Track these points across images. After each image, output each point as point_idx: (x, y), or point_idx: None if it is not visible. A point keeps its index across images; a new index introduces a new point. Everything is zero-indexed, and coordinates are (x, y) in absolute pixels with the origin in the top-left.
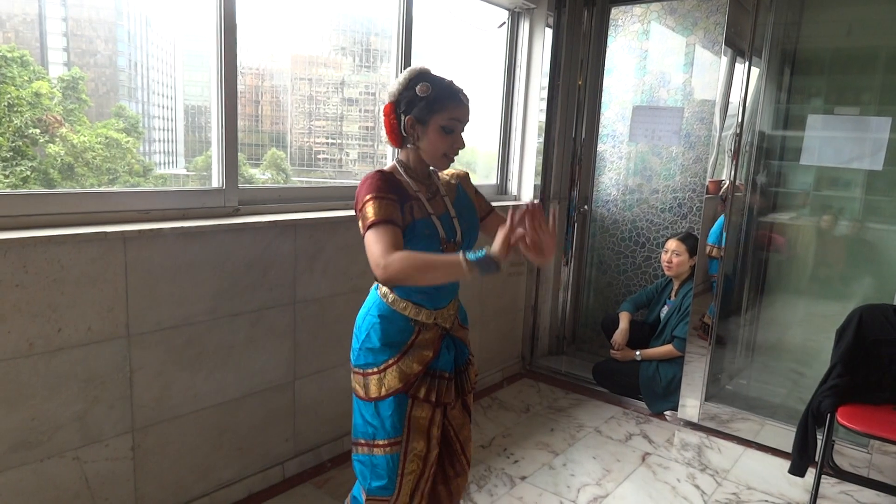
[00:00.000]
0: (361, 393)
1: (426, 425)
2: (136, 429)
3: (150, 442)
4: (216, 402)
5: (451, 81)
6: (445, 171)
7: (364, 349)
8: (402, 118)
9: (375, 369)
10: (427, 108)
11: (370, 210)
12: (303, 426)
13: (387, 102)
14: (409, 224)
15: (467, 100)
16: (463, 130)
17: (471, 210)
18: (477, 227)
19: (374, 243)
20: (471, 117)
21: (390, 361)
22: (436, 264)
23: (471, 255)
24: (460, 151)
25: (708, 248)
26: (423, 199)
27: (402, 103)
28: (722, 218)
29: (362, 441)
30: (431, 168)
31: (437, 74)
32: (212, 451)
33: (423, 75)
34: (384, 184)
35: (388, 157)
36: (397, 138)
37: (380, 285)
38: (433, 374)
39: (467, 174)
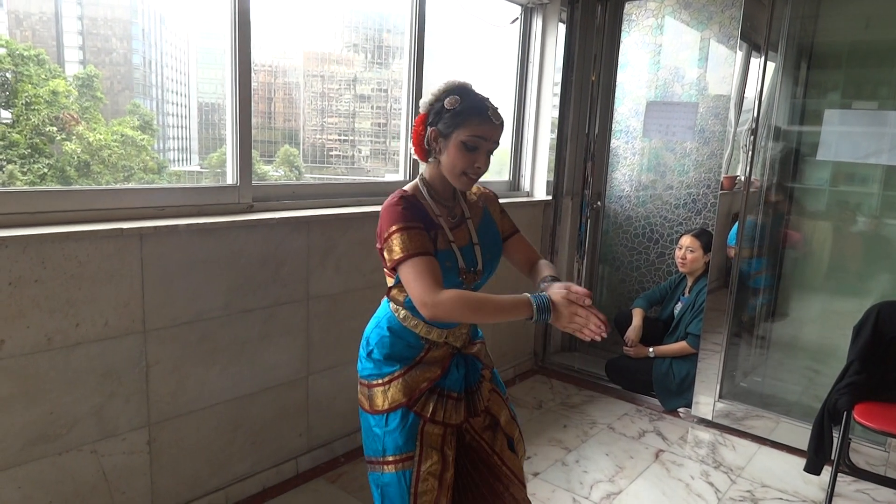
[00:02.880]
0: (366, 405)
1: (439, 442)
2: (152, 423)
3: (165, 436)
4: (230, 398)
5: (486, 98)
6: (472, 191)
7: (370, 360)
8: (429, 129)
9: (380, 381)
10: (451, 121)
11: (398, 242)
12: (316, 421)
13: (420, 112)
14: (435, 252)
15: (499, 119)
16: (490, 151)
17: (495, 236)
18: (500, 255)
19: (414, 280)
20: (501, 139)
21: (396, 374)
22: (497, 305)
23: (535, 298)
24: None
25: (732, 251)
26: (446, 227)
27: (431, 114)
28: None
29: (372, 458)
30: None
31: (475, 91)
32: (226, 446)
33: (457, 88)
34: (408, 211)
35: (401, 153)
36: (421, 151)
37: (388, 296)
38: (440, 393)
39: (495, 196)
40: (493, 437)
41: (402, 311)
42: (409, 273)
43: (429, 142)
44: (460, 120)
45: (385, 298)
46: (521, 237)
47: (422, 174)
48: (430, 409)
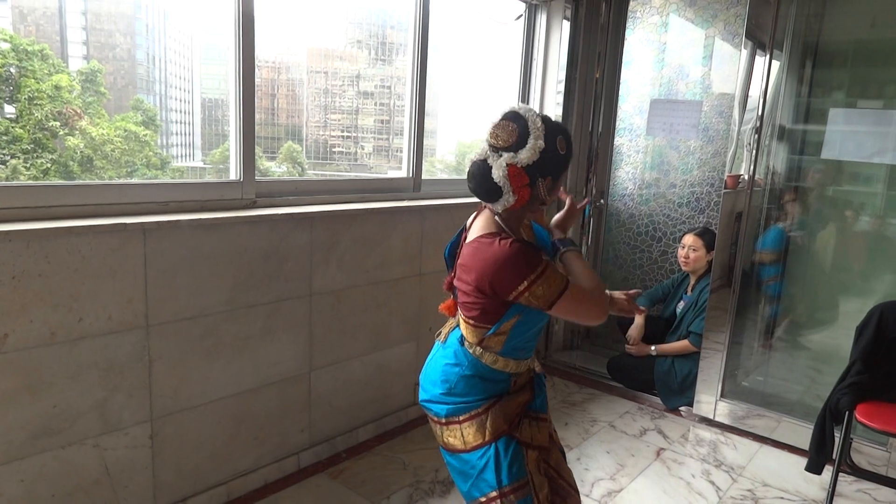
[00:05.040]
0: (460, 445)
1: (537, 467)
2: (155, 417)
3: (168, 431)
4: (233, 393)
5: (553, 120)
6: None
7: (452, 396)
8: (541, 181)
9: (473, 412)
10: (561, 164)
11: (544, 287)
12: (318, 417)
13: (518, 165)
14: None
15: None
16: None
17: (549, 242)
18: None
19: (583, 301)
20: None
21: (492, 401)
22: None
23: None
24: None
25: (762, 255)
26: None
27: (541, 165)
28: (776, 228)
29: (485, 497)
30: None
31: (537, 113)
32: (228, 441)
33: (554, 128)
34: (530, 248)
35: (404, 150)
36: (530, 201)
37: (471, 343)
38: (532, 416)
39: None
40: (548, 452)
41: (490, 356)
42: (570, 302)
43: (546, 191)
44: (567, 159)
45: (455, 337)
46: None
47: (498, 214)
48: (529, 433)
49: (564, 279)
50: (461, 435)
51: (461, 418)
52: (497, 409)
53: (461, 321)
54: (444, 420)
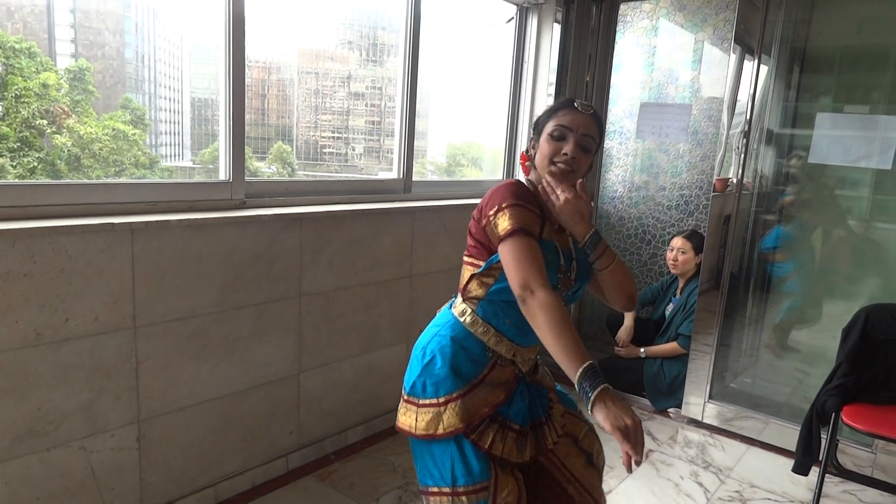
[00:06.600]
0: (412, 429)
1: (509, 466)
2: (142, 419)
3: (155, 433)
4: (221, 394)
5: (574, 98)
6: None
7: (427, 373)
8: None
9: (434, 401)
10: (542, 122)
11: (508, 216)
12: (307, 419)
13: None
14: (538, 240)
15: (587, 110)
16: (582, 145)
17: (586, 259)
18: (589, 277)
19: (525, 257)
20: (593, 132)
21: (454, 395)
22: (563, 341)
23: (587, 384)
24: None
25: (769, 256)
26: (551, 223)
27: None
28: (778, 228)
29: (435, 489)
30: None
31: (573, 97)
32: (216, 443)
33: (556, 102)
34: (525, 192)
35: (395, 151)
36: (525, 165)
37: (456, 304)
38: (502, 423)
39: None
40: (566, 454)
41: (471, 316)
42: (515, 250)
43: (528, 151)
44: (547, 116)
45: (448, 304)
46: None
47: (527, 179)
48: (489, 440)
49: (519, 226)
50: (414, 418)
51: (420, 402)
52: (457, 404)
53: (463, 269)
54: (405, 396)
